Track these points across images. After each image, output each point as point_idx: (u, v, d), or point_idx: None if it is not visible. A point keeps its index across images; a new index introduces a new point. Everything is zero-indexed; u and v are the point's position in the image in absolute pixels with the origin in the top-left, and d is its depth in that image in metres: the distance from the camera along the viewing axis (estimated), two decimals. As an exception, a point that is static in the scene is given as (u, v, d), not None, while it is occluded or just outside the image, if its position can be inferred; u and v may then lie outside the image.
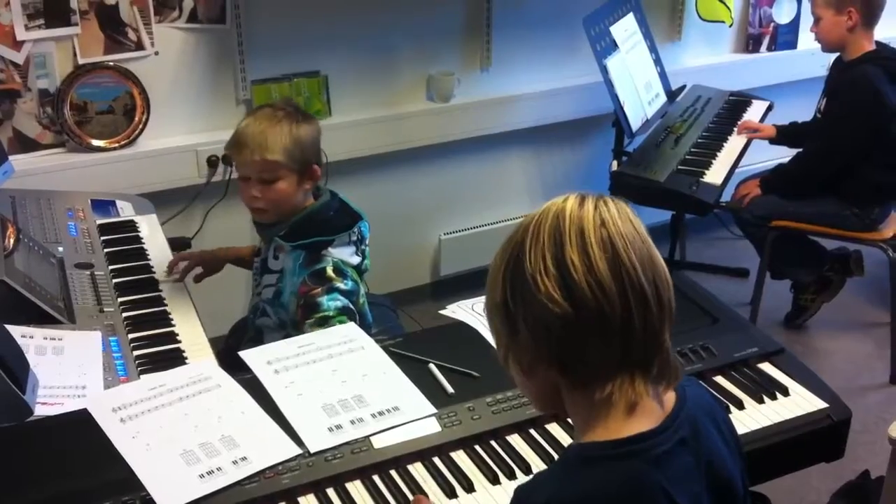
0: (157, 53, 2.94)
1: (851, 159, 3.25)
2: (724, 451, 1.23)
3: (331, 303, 2.09)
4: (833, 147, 3.27)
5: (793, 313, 3.65)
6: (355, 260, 2.19)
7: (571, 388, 1.16)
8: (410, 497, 1.53)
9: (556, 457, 1.61)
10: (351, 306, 2.12)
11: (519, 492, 1.20)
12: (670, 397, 1.20)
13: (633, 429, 1.13)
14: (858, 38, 3.25)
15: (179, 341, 2.03)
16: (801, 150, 3.49)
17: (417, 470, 1.60)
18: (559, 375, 1.15)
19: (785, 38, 4.21)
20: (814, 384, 1.85)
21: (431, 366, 1.81)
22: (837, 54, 3.39)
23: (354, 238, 2.19)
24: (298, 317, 2.12)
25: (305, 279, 2.12)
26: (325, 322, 2.07)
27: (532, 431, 1.69)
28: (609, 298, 1.08)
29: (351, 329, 1.97)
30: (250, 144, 2.12)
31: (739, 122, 3.67)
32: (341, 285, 2.11)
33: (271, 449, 1.58)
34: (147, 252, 2.41)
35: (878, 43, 3.31)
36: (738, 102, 3.87)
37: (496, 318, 1.18)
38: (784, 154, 4.06)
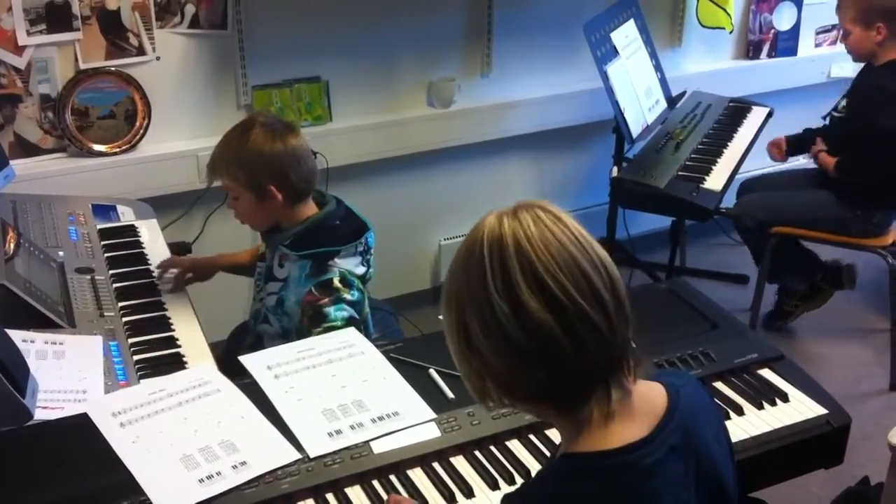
0: (158, 59, 2.94)
1: (874, 171, 3.24)
2: (717, 452, 1.23)
3: (338, 313, 2.09)
4: (850, 163, 3.25)
5: (774, 314, 3.65)
6: (360, 270, 2.18)
7: (550, 408, 1.17)
8: (410, 502, 1.53)
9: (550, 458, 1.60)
10: (357, 316, 2.12)
11: (506, 502, 1.20)
12: (659, 398, 1.20)
13: (620, 436, 1.13)
14: (888, 49, 3.26)
15: (179, 346, 2.03)
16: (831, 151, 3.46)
17: (417, 475, 1.60)
18: (538, 404, 1.16)
19: (785, 44, 4.22)
20: (813, 390, 1.85)
21: (431, 371, 1.81)
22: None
23: (361, 249, 2.19)
24: (305, 325, 2.11)
25: (312, 289, 2.11)
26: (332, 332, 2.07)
27: (532, 437, 1.69)
28: (550, 331, 1.07)
29: (351, 334, 1.97)
30: (208, 164, 2.19)
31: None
32: (348, 296, 2.11)
33: (271, 454, 1.58)
34: (147, 257, 2.42)
35: None
36: (737, 109, 3.88)
37: (461, 364, 1.18)
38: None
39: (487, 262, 1.10)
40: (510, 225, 1.11)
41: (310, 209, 2.21)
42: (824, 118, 3.56)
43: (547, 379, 1.11)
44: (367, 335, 2.21)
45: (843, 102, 3.42)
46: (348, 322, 2.08)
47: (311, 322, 2.10)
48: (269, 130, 2.11)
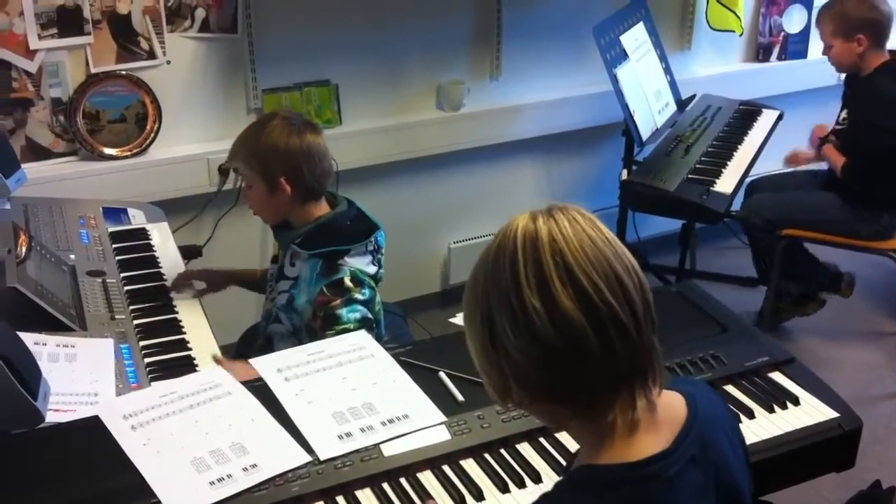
0: (168, 62, 2.96)
1: (881, 173, 3.23)
2: (733, 461, 1.23)
3: (350, 314, 2.10)
4: (856, 165, 3.25)
5: (763, 313, 3.60)
6: (371, 269, 2.20)
7: (572, 416, 1.15)
8: (420, 505, 1.53)
9: (564, 465, 1.60)
10: (370, 316, 2.13)
11: None
12: (679, 407, 1.20)
13: (644, 448, 1.13)
14: (871, 58, 3.28)
15: (190, 349, 2.04)
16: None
17: (427, 478, 1.60)
18: (557, 406, 1.15)
19: (795, 47, 4.21)
20: (824, 393, 1.84)
21: (441, 374, 1.81)
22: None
23: (371, 248, 2.20)
24: (318, 327, 2.12)
25: (324, 289, 2.12)
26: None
27: (542, 440, 1.69)
28: (580, 331, 1.07)
29: (361, 337, 1.97)
30: (231, 149, 2.21)
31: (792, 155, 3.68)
32: (359, 296, 2.12)
33: (281, 456, 1.59)
34: (158, 260, 2.43)
35: (891, 52, 3.31)
36: (748, 112, 3.87)
37: (483, 362, 1.17)
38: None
39: (521, 257, 1.09)
40: (545, 223, 1.11)
41: (321, 209, 2.23)
42: (829, 136, 3.57)
43: (572, 378, 1.10)
44: (379, 335, 2.23)
45: (843, 114, 3.43)
46: (361, 323, 2.09)
47: (323, 323, 2.11)
48: (288, 125, 2.16)
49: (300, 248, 2.17)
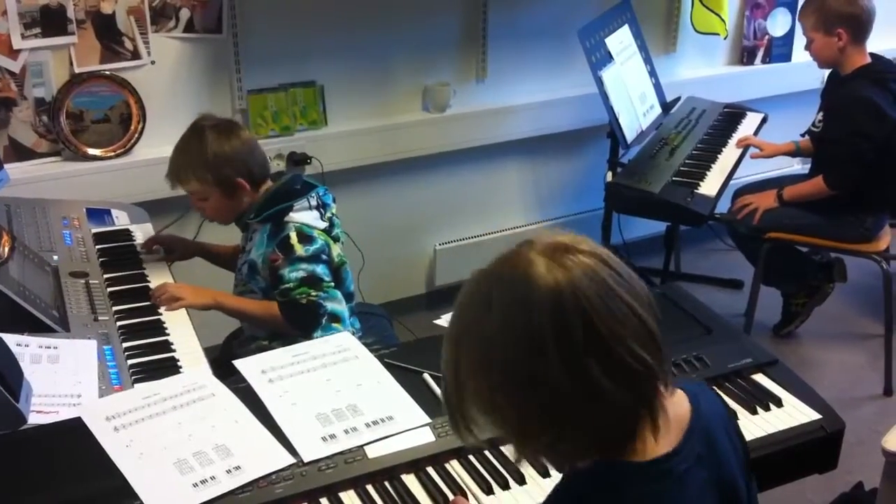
0: (153, 63, 2.94)
1: (867, 177, 3.26)
2: (733, 460, 1.24)
3: (292, 274, 2.21)
4: (847, 171, 3.27)
5: (783, 321, 3.66)
6: (321, 224, 2.29)
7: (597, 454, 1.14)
8: (404, 507, 1.53)
9: (549, 467, 1.60)
10: (317, 271, 2.23)
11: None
12: (684, 405, 1.20)
13: (655, 447, 1.13)
14: (851, 55, 3.29)
15: (174, 350, 2.03)
16: (812, 170, 3.50)
17: (411, 480, 1.60)
18: (582, 448, 1.13)
19: (779, 50, 4.23)
20: (807, 395, 1.85)
21: (426, 375, 1.81)
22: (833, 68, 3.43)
23: (314, 202, 2.30)
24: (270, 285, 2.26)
25: (275, 248, 2.23)
26: (286, 294, 2.21)
27: (526, 441, 1.69)
28: (612, 394, 1.05)
29: (345, 338, 1.97)
30: (169, 174, 2.29)
31: (738, 136, 3.68)
32: (301, 253, 2.21)
33: (265, 458, 1.58)
34: (142, 261, 2.41)
35: (872, 55, 3.33)
36: (732, 114, 3.88)
37: (502, 429, 1.13)
38: (775, 166, 4.10)
39: (550, 332, 1.04)
40: (559, 280, 1.05)
41: (268, 185, 2.35)
42: (803, 135, 3.59)
43: (595, 427, 1.09)
44: (346, 289, 2.35)
45: (820, 116, 3.44)
46: (303, 282, 2.20)
47: (271, 281, 2.24)
48: (221, 130, 2.27)
49: (254, 220, 2.29)
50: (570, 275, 1.06)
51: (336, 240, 2.35)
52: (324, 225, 2.30)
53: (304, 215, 2.27)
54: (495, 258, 1.13)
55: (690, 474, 1.14)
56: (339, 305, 2.28)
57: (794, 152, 3.66)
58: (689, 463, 1.14)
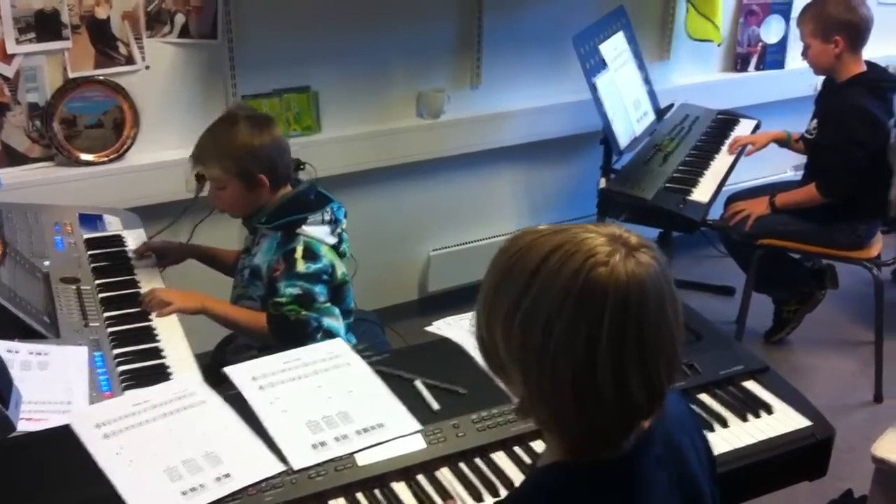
0: (147, 68, 2.94)
1: (860, 184, 3.27)
2: (695, 461, 1.24)
3: (287, 289, 2.19)
4: (839, 179, 3.28)
5: (774, 328, 3.67)
6: (331, 240, 2.27)
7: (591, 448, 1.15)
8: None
9: (530, 463, 1.60)
10: (313, 291, 2.20)
11: None
12: None
13: (620, 448, 1.13)
14: (847, 63, 3.30)
15: (164, 357, 2.03)
16: (805, 177, 3.51)
17: (401, 488, 1.60)
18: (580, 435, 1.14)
19: (773, 57, 4.24)
20: (798, 402, 1.85)
21: (417, 382, 1.81)
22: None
23: (328, 217, 2.28)
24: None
25: (279, 257, 2.22)
26: (277, 307, 2.19)
27: (517, 449, 1.69)
28: (636, 402, 1.09)
29: (337, 345, 1.97)
30: (193, 155, 2.28)
31: (729, 142, 3.69)
32: (303, 269, 2.19)
33: (255, 466, 1.58)
34: (134, 267, 2.41)
35: (868, 63, 3.34)
36: (726, 121, 3.89)
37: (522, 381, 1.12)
38: (768, 173, 4.11)
39: (607, 320, 1.03)
40: (631, 277, 1.04)
41: (286, 190, 2.32)
42: (797, 141, 3.60)
43: (590, 426, 1.11)
44: (346, 306, 2.33)
45: (814, 123, 3.45)
46: (295, 299, 2.18)
47: (267, 290, 2.23)
48: (255, 123, 2.24)
49: (264, 226, 2.27)
50: (644, 271, 1.05)
51: (342, 256, 2.33)
52: (334, 241, 2.28)
53: (316, 229, 2.25)
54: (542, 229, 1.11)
55: (651, 475, 1.14)
56: (335, 322, 2.26)
57: (786, 140, 3.67)
58: (649, 465, 1.15)
